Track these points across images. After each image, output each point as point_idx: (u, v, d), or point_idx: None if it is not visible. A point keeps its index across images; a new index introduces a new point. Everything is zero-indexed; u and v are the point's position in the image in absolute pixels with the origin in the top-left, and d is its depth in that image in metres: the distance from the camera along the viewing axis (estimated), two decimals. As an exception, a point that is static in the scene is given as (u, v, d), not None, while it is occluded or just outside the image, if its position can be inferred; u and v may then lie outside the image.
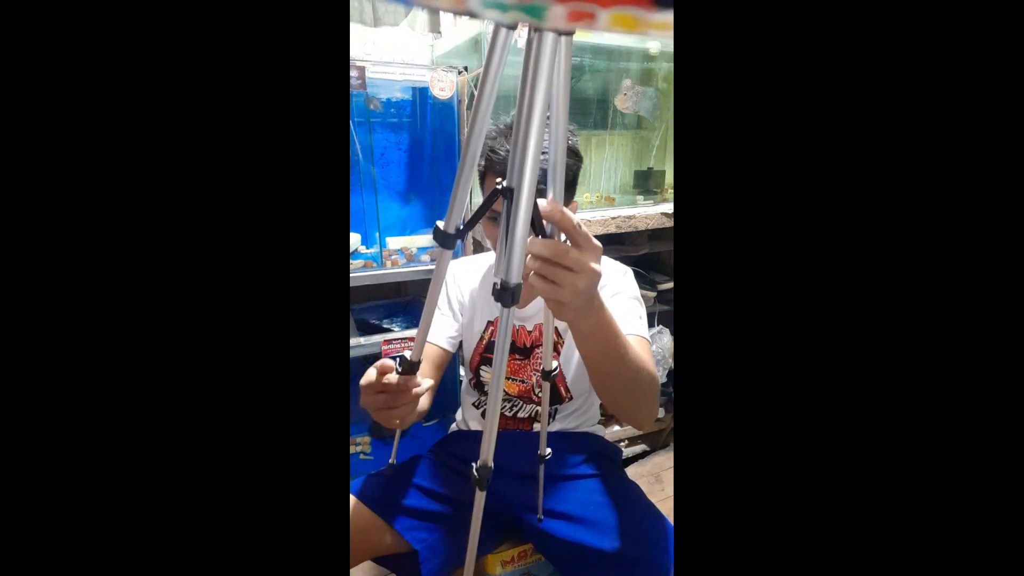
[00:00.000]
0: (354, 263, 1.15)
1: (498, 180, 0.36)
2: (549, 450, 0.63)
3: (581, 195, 1.29)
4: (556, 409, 0.79)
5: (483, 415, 0.82)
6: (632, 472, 1.40)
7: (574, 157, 0.65)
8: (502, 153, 0.64)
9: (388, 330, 1.28)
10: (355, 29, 1.26)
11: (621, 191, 1.40)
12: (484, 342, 0.80)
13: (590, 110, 1.27)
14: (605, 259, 0.63)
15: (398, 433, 0.57)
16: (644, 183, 1.39)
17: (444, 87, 1.10)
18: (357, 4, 1.33)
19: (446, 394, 1.37)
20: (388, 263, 1.19)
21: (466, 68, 1.12)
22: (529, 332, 0.78)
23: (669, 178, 1.40)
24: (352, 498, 0.71)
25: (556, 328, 0.76)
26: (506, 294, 0.34)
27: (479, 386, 0.82)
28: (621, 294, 0.73)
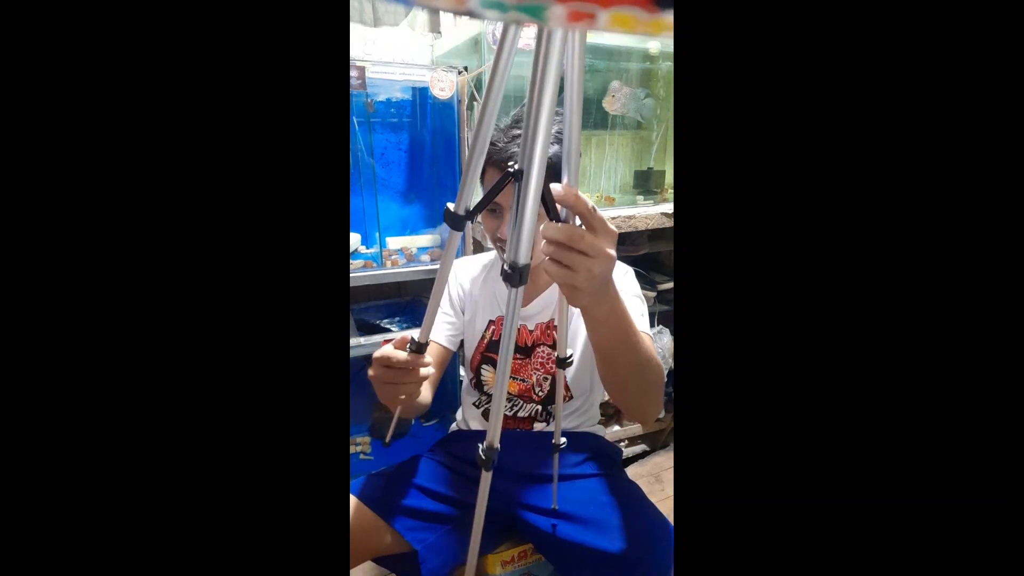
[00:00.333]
0: (354, 263, 1.15)
1: (509, 164, 0.35)
2: (564, 440, 0.63)
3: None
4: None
5: (484, 415, 0.82)
6: (632, 472, 1.40)
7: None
8: (500, 145, 0.64)
9: (388, 330, 1.28)
10: (355, 29, 1.26)
11: (621, 191, 1.40)
12: (485, 341, 0.80)
13: (590, 110, 1.27)
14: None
15: (397, 410, 0.58)
16: (644, 183, 1.39)
17: (444, 87, 1.10)
18: (357, 4, 1.33)
19: (446, 394, 1.37)
20: (388, 263, 1.19)
21: (466, 68, 1.12)
22: (531, 331, 0.78)
23: (669, 178, 1.40)
24: (352, 498, 0.71)
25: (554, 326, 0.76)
26: (514, 274, 0.34)
27: (480, 386, 0.82)
28: (623, 292, 0.73)
